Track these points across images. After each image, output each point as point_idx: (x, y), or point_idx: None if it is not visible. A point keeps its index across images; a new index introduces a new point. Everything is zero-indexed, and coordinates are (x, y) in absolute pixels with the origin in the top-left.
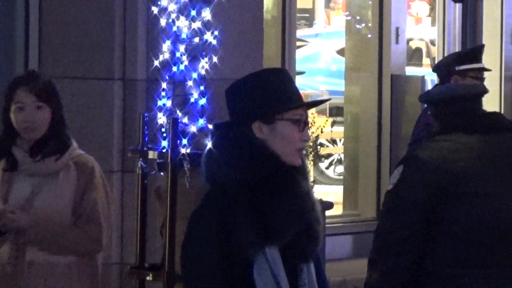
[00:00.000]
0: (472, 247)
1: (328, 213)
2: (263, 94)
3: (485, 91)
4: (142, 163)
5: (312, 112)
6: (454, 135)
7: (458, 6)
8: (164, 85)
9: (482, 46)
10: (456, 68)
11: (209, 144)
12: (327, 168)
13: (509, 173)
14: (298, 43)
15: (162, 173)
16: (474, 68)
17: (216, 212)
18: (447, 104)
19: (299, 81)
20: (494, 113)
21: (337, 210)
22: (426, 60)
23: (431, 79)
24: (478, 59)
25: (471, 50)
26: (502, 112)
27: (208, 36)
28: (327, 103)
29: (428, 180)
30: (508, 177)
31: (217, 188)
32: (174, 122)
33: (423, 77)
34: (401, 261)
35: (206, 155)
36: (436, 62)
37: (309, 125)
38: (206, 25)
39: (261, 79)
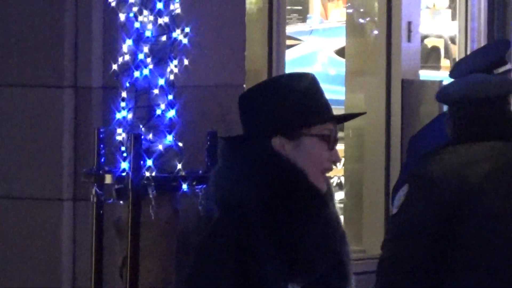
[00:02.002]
0: (490, 276)
1: None
2: (287, 104)
3: (499, 93)
4: (98, 190)
5: None
6: (467, 145)
7: None
8: (124, 93)
9: (508, 42)
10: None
11: (219, 164)
12: None
13: None
14: (288, 42)
15: (122, 202)
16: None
17: (232, 240)
18: (464, 106)
19: None
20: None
21: None
22: (444, 62)
23: None
24: (504, 59)
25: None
26: None
27: (177, 34)
28: None
29: (437, 200)
30: None
31: (231, 213)
32: (136, 139)
33: (441, 82)
34: None
35: (216, 174)
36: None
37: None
38: (175, 21)
39: (283, 85)
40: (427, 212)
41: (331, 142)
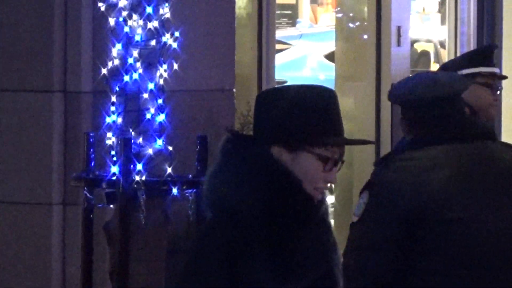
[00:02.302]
0: (455, 280)
1: None
2: (294, 117)
3: (464, 87)
4: (88, 194)
5: None
6: (424, 150)
7: None
8: (113, 98)
9: (495, 46)
10: (459, 73)
11: (216, 162)
12: None
13: (492, 188)
14: (278, 46)
15: (112, 206)
16: (481, 72)
17: (224, 244)
18: (415, 108)
19: None
20: (469, 118)
21: None
22: (434, 66)
23: None
24: (489, 62)
25: (480, 50)
26: None
27: (167, 38)
28: None
29: (399, 209)
30: (491, 193)
31: (224, 217)
32: (126, 143)
33: None
34: None
35: (212, 175)
36: None
37: (342, 163)
38: (165, 25)
39: (298, 95)
40: (388, 221)
41: (329, 163)
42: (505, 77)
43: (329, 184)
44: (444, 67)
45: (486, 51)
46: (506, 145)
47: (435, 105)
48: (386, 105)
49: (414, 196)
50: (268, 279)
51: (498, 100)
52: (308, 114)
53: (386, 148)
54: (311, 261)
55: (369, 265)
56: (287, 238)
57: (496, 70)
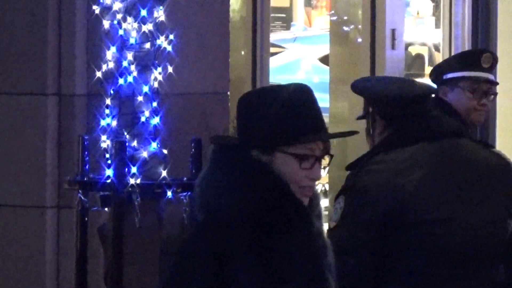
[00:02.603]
0: (433, 282)
1: None
2: (266, 117)
3: (431, 92)
4: (82, 197)
5: None
6: (398, 152)
7: (468, 2)
8: (108, 101)
9: (482, 50)
10: (444, 77)
11: (206, 166)
12: None
13: (466, 185)
14: (272, 49)
15: (106, 209)
16: (465, 76)
17: (210, 247)
18: (393, 104)
19: None
20: (437, 116)
21: None
22: (429, 70)
23: None
24: (475, 67)
25: (465, 55)
26: None
27: (161, 41)
28: None
29: (375, 212)
30: (465, 191)
31: (212, 219)
32: (120, 146)
33: None
34: None
35: (201, 179)
36: None
37: (330, 157)
38: (159, 28)
39: (270, 96)
40: (365, 225)
41: (309, 161)
42: (494, 83)
43: (317, 182)
44: (433, 69)
45: (470, 56)
46: (475, 141)
47: (413, 102)
48: None
49: (389, 200)
50: (254, 282)
51: (486, 105)
52: (279, 114)
53: None
54: (298, 264)
55: (348, 269)
56: (272, 241)
57: (482, 75)
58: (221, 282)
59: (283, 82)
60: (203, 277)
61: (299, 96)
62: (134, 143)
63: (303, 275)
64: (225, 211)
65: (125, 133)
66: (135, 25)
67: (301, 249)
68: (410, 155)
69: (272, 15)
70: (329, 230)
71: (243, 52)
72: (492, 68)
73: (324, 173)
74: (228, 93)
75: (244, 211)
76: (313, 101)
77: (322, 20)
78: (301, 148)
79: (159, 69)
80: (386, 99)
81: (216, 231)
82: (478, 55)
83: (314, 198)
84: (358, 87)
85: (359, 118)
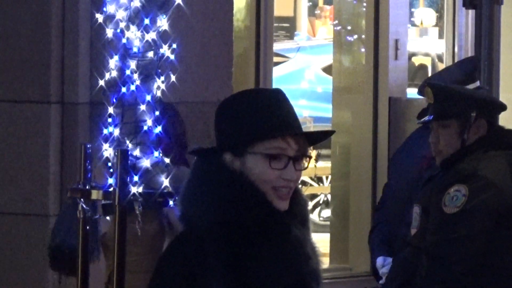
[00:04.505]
0: None
1: None
2: (234, 120)
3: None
4: (84, 205)
5: None
6: (489, 153)
7: (471, 13)
8: (111, 109)
9: (477, 60)
10: None
11: (187, 175)
12: (311, 211)
13: None
14: (276, 59)
15: (108, 217)
16: None
17: (183, 260)
18: (497, 109)
19: None
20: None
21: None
22: None
23: None
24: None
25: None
26: None
27: (164, 50)
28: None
29: (498, 203)
30: None
31: (189, 232)
32: (123, 154)
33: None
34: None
35: (183, 189)
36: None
37: (308, 159)
38: (162, 37)
39: (243, 100)
40: (485, 214)
41: (280, 160)
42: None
43: (292, 183)
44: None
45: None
46: None
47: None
48: (383, 117)
49: (504, 193)
50: None
51: None
52: (249, 111)
53: (382, 161)
54: (276, 273)
55: (466, 253)
56: (246, 250)
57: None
58: None
59: (286, 92)
60: None
61: (271, 97)
62: (137, 152)
63: (280, 284)
64: (200, 223)
65: (128, 142)
66: (138, 33)
67: (278, 257)
68: (503, 158)
69: (275, 24)
70: (449, 215)
71: (246, 62)
72: None
73: (326, 182)
74: None
75: (219, 223)
76: (285, 101)
77: (325, 30)
78: (272, 148)
79: (162, 78)
80: (494, 104)
81: (187, 245)
82: (475, 65)
83: (297, 205)
84: (459, 91)
85: (425, 122)
